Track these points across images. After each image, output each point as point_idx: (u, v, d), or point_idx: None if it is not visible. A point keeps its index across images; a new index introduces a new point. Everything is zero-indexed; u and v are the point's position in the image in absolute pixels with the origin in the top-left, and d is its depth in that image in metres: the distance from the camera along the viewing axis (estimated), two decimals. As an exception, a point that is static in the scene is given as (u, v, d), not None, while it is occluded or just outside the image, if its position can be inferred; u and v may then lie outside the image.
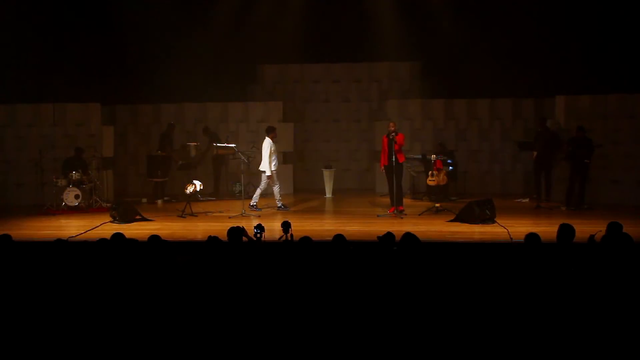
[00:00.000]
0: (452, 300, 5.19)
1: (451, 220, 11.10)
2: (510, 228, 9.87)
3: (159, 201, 14.21)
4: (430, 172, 13.07)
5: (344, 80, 17.18)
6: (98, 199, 13.37)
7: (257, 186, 13.02)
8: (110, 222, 11.35)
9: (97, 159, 13.78)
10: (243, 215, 11.83)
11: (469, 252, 8.55)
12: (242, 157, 12.87)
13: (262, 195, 15.37)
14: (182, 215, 11.93)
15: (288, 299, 5.26)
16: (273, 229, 8.21)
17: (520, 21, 14.85)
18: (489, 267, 6.08)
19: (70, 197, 12.87)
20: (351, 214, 12.48)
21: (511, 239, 9.23)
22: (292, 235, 7.52)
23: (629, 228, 7.12)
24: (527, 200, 13.59)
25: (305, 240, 6.35)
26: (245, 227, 7.08)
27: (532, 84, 15.03)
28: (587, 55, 14.22)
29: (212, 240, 6.42)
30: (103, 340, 4.93)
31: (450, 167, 13.67)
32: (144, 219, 11.65)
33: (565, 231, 6.50)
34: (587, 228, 7.77)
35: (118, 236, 6.48)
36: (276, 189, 12.89)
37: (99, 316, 5.13)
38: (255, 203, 12.76)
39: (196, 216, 11.98)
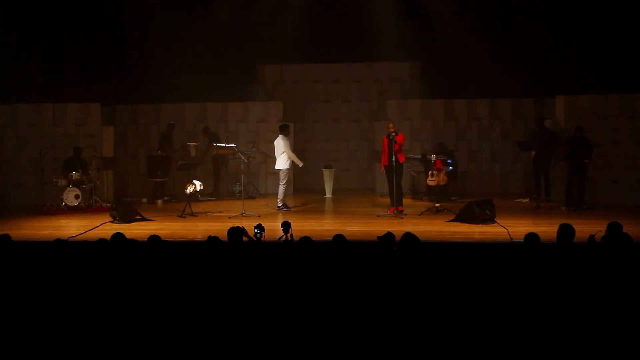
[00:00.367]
0: (452, 301, 5.19)
1: (451, 220, 11.10)
2: (510, 228, 9.87)
3: (159, 201, 14.21)
4: (430, 172, 13.06)
5: (344, 80, 17.18)
6: (98, 199, 13.37)
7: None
8: (110, 222, 11.35)
9: (97, 159, 13.77)
10: (243, 215, 11.83)
11: (469, 252, 8.55)
12: (242, 157, 12.87)
13: (263, 195, 15.43)
14: (182, 215, 11.93)
15: (288, 299, 5.26)
16: (273, 229, 8.20)
17: (520, 21, 14.86)
18: (489, 267, 6.08)
19: (70, 197, 12.87)
20: (351, 214, 12.48)
21: (511, 239, 9.23)
22: (292, 235, 7.52)
23: (629, 228, 7.12)
24: (527, 200, 13.59)
25: (305, 240, 6.35)
26: (245, 227, 7.08)
27: (532, 84, 15.03)
28: (587, 55, 14.21)
29: (212, 240, 6.42)
30: (103, 340, 4.93)
31: (450, 167, 13.67)
32: (144, 219, 11.65)
33: (565, 231, 6.50)
34: (587, 228, 7.77)
35: (118, 236, 6.48)
36: (282, 188, 12.91)
37: (98, 316, 5.13)
38: (283, 202, 12.84)
39: (196, 216, 11.98)
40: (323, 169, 15.35)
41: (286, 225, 7.59)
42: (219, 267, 5.95)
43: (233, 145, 13.77)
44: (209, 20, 15.95)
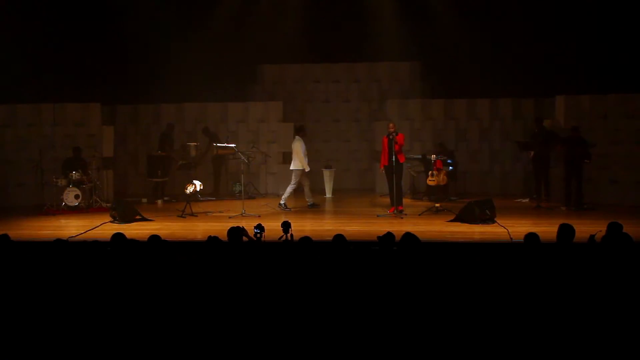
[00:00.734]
0: (452, 301, 5.19)
1: (451, 220, 11.10)
2: (510, 228, 9.87)
3: (159, 201, 14.21)
4: (430, 172, 13.07)
5: (344, 80, 17.17)
6: (98, 199, 13.37)
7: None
8: (110, 222, 11.35)
9: (97, 159, 13.77)
10: (243, 215, 11.83)
11: (469, 252, 8.54)
12: (242, 157, 12.88)
13: (263, 195, 15.43)
14: (182, 215, 11.93)
15: (288, 299, 5.26)
16: (273, 229, 8.20)
17: (520, 21, 14.85)
18: (489, 267, 6.08)
19: (70, 197, 12.87)
20: (351, 214, 12.48)
21: (511, 239, 9.23)
22: (292, 235, 7.52)
23: (629, 228, 7.11)
24: (527, 200, 13.59)
25: (305, 240, 6.34)
26: (245, 227, 7.08)
27: (532, 84, 15.03)
28: (587, 55, 14.21)
29: (212, 240, 6.42)
30: (103, 340, 4.93)
31: (450, 167, 13.67)
32: (144, 219, 11.65)
33: (565, 231, 6.50)
34: (587, 228, 7.77)
35: (118, 236, 6.48)
36: (290, 188, 12.94)
37: (98, 316, 5.13)
38: (311, 202, 12.98)
39: (196, 216, 11.98)
40: (323, 169, 15.35)
41: (286, 225, 7.59)
42: (219, 267, 5.95)
43: (233, 145, 13.77)
44: (209, 21, 15.95)
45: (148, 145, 15.76)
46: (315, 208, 12.93)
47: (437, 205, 12.18)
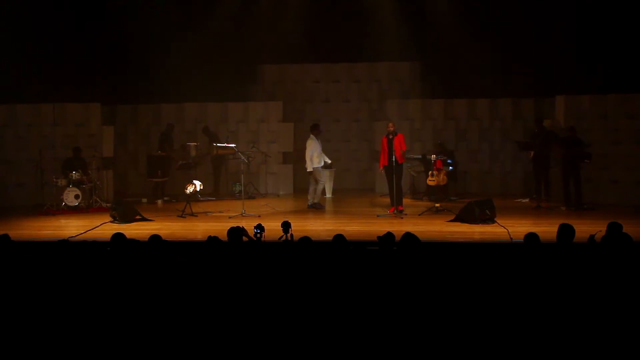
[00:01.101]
0: (452, 301, 5.19)
1: (451, 220, 11.10)
2: (510, 228, 9.87)
3: (159, 201, 14.21)
4: (430, 172, 13.07)
5: (344, 80, 17.17)
6: (98, 199, 13.37)
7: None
8: (110, 222, 11.35)
9: (97, 159, 13.78)
10: (243, 215, 11.83)
11: (469, 252, 8.54)
12: (242, 157, 12.88)
13: (263, 195, 15.43)
14: (182, 215, 11.93)
15: (288, 299, 5.26)
16: (273, 229, 8.20)
17: (520, 21, 14.85)
18: (489, 267, 6.08)
19: (70, 197, 12.87)
20: (351, 214, 12.48)
21: (511, 239, 9.23)
22: (292, 235, 7.52)
23: (629, 228, 7.11)
24: (527, 200, 13.59)
25: (305, 240, 6.34)
26: (245, 227, 7.08)
27: (532, 84, 15.03)
28: (587, 55, 14.21)
29: (212, 240, 6.42)
30: (103, 340, 4.93)
31: (450, 167, 13.66)
32: (144, 219, 11.65)
33: (565, 231, 6.50)
34: (587, 228, 7.77)
35: (118, 236, 6.48)
36: (319, 187, 12.98)
37: (98, 316, 5.13)
38: (314, 201, 12.98)
39: (196, 216, 11.98)
40: (323, 169, 15.33)
41: (286, 225, 7.59)
42: (219, 267, 5.95)
43: (233, 145, 13.77)
44: (209, 20, 15.95)
45: (148, 145, 15.77)
46: (314, 209, 12.91)
47: (437, 205, 12.18)
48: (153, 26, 14.82)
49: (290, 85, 17.28)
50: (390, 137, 11.83)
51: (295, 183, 16.02)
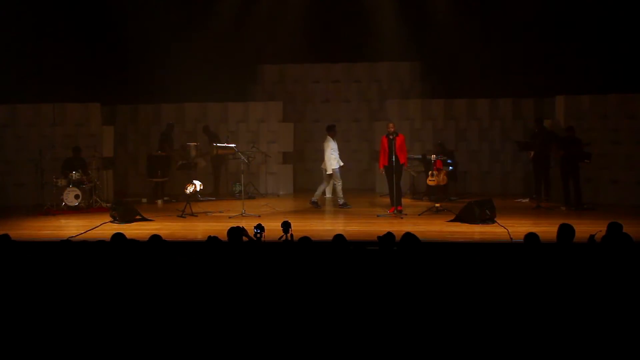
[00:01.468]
0: (452, 301, 5.19)
1: (451, 220, 11.10)
2: (510, 228, 9.87)
3: (159, 201, 14.21)
4: (430, 172, 13.07)
5: (344, 80, 17.17)
6: (98, 199, 13.37)
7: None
8: (110, 222, 11.35)
9: (97, 159, 13.78)
10: (243, 215, 11.83)
11: (469, 252, 8.54)
12: (242, 157, 12.88)
13: (263, 195, 15.42)
14: (182, 215, 11.93)
15: (288, 299, 5.26)
16: (273, 229, 8.20)
17: (520, 21, 14.85)
18: (489, 267, 6.08)
19: (70, 197, 12.87)
20: (351, 214, 12.47)
21: (511, 239, 9.23)
22: (292, 235, 7.52)
23: (629, 228, 7.11)
24: (527, 200, 13.59)
25: (305, 240, 6.34)
26: (245, 227, 7.08)
27: (532, 84, 15.03)
28: (587, 55, 14.21)
29: (212, 240, 6.42)
30: (103, 340, 4.93)
31: (450, 167, 13.67)
32: (144, 219, 11.64)
33: (565, 231, 6.50)
34: (587, 228, 7.76)
35: (118, 236, 6.48)
36: (339, 186, 13.02)
37: (98, 316, 5.13)
38: (315, 199, 13.04)
39: (196, 216, 11.98)
40: (323, 169, 15.33)
41: (286, 225, 7.59)
42: (219, 267, 5.95)
43: (233, 145, 13.77)
44: (209, 20, 15.96)
45: (148, 145, 15.77)
46: (316, 207, 12.94)
47: (437, 205, 12.18)
48: (153, 26, 14.81)
49: (290, 85, 17.28)
50: (392, 137, 11.83)
51: (295, 183, 16.03)
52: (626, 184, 13.28)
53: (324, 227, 11.07)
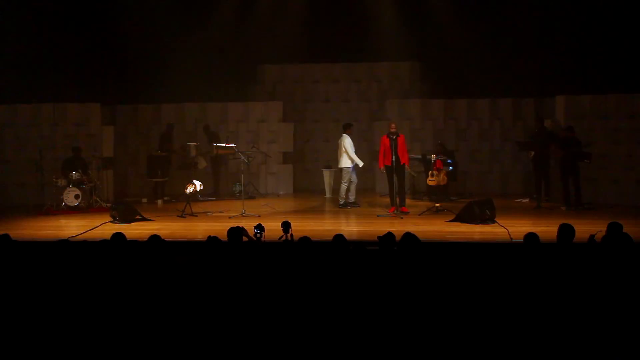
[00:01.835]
0: (452, 301, 5.19)
1: (451, 220, 11.10)
2: (510, 228, 9.86)
3: (159, 201, 14.21)
4: (430, 172, 13.07)
5: (344, 80, 17.17)
6: (98, 199, 13.37)
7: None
8: (110, 222, 11.35)
9: (97, 159, 13.78)
10: (243, 215, 11.83)
11: (469, 252, 8.55)
12: (242, 157, 12.88)
13: (263, 195, 15.44)
14: (182, 215, 11.93)
15: (288, 299, 5.26)
16: (273, 229, 8.20)
17: (520, 21, 14.85)
18: (489, 267, 6.08)
19: (70, 197, 12.88)
20: (351, 214, 12.47)
21: (511, 239, 9.23)
22: (292, 235, 7.52)
23: (629, 228, 7.11)
24: (527, 200, 13.58)
25: (305, 240, 6.35)
26: (245, 227, 7.08)
27: (532, 84, 15.03)
28: (587, 55, 14.21)
29: (212, 240, 6.42)
30: (103, 340, 4.93)
31: (450, 167, 13.66)
32: (144, 219, 11.64)
33: (565, 231, 6.50)
34: (587, 228, 7.75)
35: (118, 236, 6.48)
36: (344, 186, 13.01)
37: (99, 316, 5.13)
38: (345, 200, 12.98)
39: (196, 216, 11.98)
40: (323, 169, 15.36)
41: (286, 225, 7.59)
42: (219, 267, 5.95)
43: (233, 145, 13.77)
44: (209, 21, 15.97)
45: (148, 145, 15.75)
46: (345, 208, 12.86)
47: (437, 205, 12.18)
48: (153, 26, 14.82)
49: (290, 85, 17.28)
50: (394, 137, 11.84)
51: (295, 183, 16.02)
52: (626, 184, 13.27)
53: (323, 227, 11.07)
